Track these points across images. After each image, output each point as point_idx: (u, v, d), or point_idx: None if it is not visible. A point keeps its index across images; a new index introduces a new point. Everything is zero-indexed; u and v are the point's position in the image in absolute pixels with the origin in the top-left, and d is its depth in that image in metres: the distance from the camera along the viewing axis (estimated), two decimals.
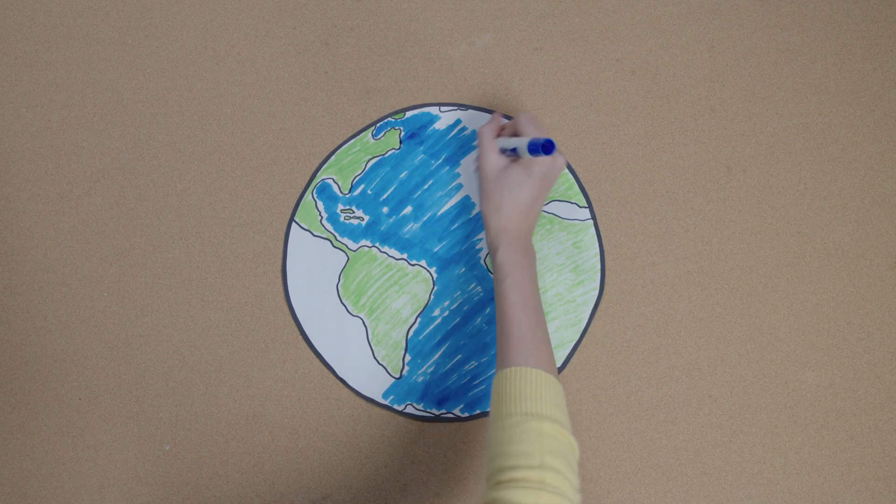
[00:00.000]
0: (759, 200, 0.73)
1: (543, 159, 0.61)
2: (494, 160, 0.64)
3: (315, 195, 0.72)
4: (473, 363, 0.70)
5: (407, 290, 0.71)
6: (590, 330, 0.71)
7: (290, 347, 0.70)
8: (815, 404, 0.70)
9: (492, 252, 0.63)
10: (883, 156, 0.74)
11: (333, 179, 0.73)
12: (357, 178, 0.73)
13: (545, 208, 0.72)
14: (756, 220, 0.73)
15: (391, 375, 0.70)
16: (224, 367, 0.70)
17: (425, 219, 0.72)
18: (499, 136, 0.67)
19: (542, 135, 0.62)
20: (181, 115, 0.73)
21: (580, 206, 0.72)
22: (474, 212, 0.72)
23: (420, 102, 0.74)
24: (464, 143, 0.73)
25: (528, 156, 0.61)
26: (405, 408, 0.69)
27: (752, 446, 0.69)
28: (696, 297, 0.71)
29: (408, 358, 0.70)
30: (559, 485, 0.49)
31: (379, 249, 0.71)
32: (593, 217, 0.72)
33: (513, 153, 0.63)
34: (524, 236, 0.63)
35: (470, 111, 0.74)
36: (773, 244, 0.73)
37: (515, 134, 0.65)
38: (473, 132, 0.73)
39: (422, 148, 0.73)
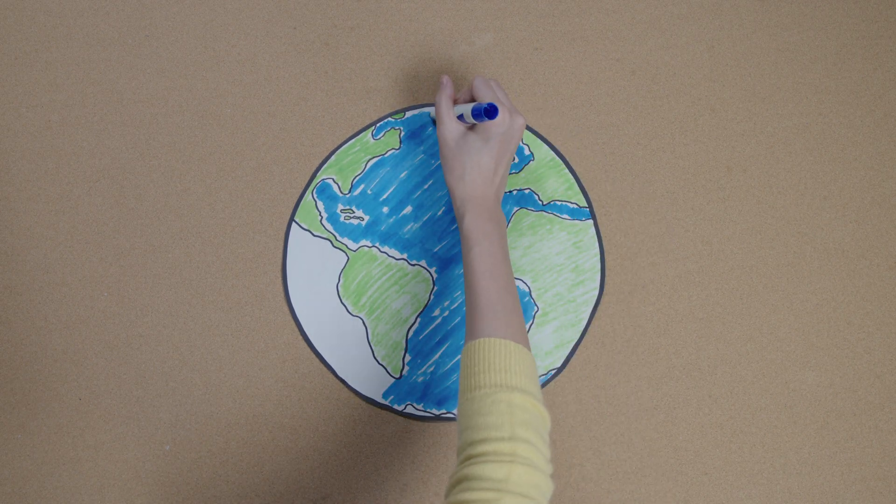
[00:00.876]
0: (759, 200, 0.73)
1: (500, 120, 0.60)
2: (452, 128, 0.63)
3: (315, 195, 0.72)
4: None
5: (407, 290, 0.71)
6: (590, 330, 0.71)
7: (290, 347, 0.70)
8: (815, 404, 0.70)
9: (458, 221, 0.62)
10: (883, 156, 0.74)
11: (333, 179, 0.73)
12: (357, 178, 0.73)
13: (545, 208, 0.72)
14: (756, 220, 0.73)
15: (391, 375, 0.70)
16: (224, 367, 0.70)
17: (425, 219, 0.72)
18: (456, 102, 0.66)
19: (498, 98, 0.62)
20: (181, 115, 0.73)
21: (580, 206, 0.72)
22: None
23: (420, 102, 0.74)
24: None
25: (476, 122, 0.61)
26: (405, 408, 0.69)
27: (752, 446, 0.69)
28: (696, 297, 0.71)
29: (408, 358, 0.70)
30: (531, 456, 0.48)
31: (379, 249, 0.71)
32: (593, 217, 0.72)
33: (464, 119, 0.63)
34: (491, 203, 0.62)
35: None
36: (773, 244, 0.73)
37: (472, 99, 0.64)
38: None
39: (422, 148, 0.73)
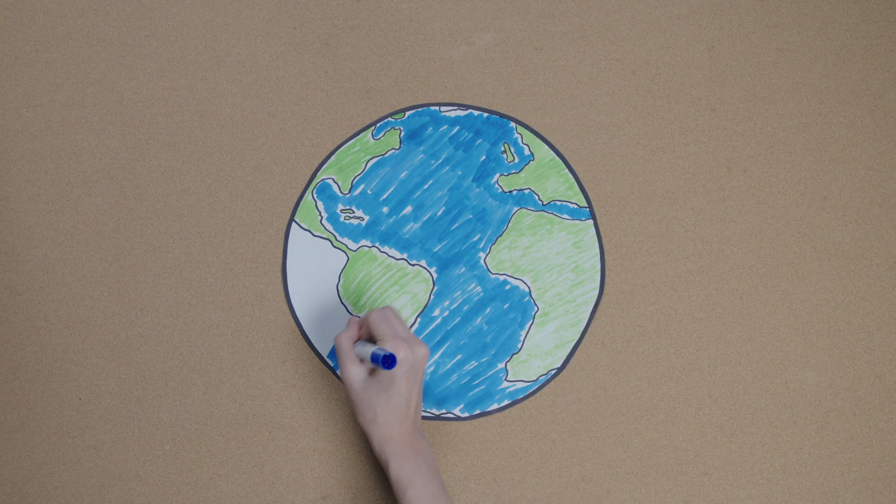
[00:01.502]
0: (759, 200, 0.73)
1: (402, 360, 0.58)
2: (355, 371, 0.61)
3: (315, 195, 0.72)
4: (473, 363, 0.70)
5: (407, 290, 0.71)
6: (590, 330, 0.71)
7: (290, 347, 0.70)
8: (815, 404, 0.70)
9: (383, 466, 0.61)
10: (883, 156, 0.74)
11: (333, 179, 0.73)
12: (357, 178, 0.73)
13: (545, 208, 0.72)
14: (756, 220, 0.73)
15: None
16: (224, 367, 0.70)
17: (425, 219, 0.72)
18: (358, 339, 0.64)
19: (396, 333, 0.60)
20: (181, 115, 0.73)
21: (580, 206, 0.72)
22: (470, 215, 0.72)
23: (420, 102, 0.74)
24: (468, 146, 0.73)
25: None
26: None
27: (752, 446, 0.69)
28: (696, 297, 0.71)
29: None
30: None
31: (379, 249, 0.72)
32: (593, 217, 0.72)
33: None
34: (410, 437, 0.61)
35: (470, 111, 0.74)
36: (773, 244, 0.73)
37: (370, 335, 0.62)
38: (473, 134, 0.73)
39: (422, 148, 0.73)
